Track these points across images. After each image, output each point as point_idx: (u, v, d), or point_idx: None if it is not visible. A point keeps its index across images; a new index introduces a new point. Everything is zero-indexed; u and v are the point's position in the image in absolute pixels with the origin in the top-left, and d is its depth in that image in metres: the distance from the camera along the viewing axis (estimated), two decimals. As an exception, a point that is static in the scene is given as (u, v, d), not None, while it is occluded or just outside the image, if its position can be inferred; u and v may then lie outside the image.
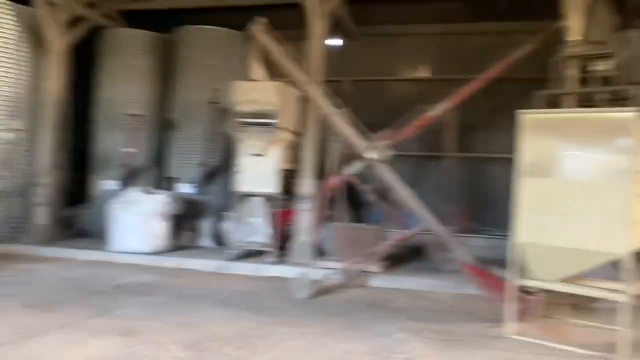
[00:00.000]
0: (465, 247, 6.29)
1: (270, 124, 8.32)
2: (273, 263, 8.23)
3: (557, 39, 8.53)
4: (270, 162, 8.46)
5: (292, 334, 4.94)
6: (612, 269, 4.87)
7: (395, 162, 11.55)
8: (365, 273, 7.57)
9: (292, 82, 8.00)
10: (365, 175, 7.29)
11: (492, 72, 9.75)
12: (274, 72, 9.06)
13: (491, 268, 5.99)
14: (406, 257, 9.48)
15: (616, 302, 4.70)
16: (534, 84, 10.26)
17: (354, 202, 10.71)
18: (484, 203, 11.58)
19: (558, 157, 5.17)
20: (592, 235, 4.80)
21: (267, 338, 4.80)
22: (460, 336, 5.15)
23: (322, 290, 6.87)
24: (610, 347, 4.66)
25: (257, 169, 8.49)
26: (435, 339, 5.01)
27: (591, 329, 5.36)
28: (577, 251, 4.87)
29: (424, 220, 6.60)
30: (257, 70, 8.21)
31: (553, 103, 8.26)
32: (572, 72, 7.99)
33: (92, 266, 8.23)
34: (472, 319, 5.84)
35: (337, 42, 12.79)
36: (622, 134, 4.77)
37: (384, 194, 7.27)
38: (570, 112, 6.07)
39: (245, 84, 8.45)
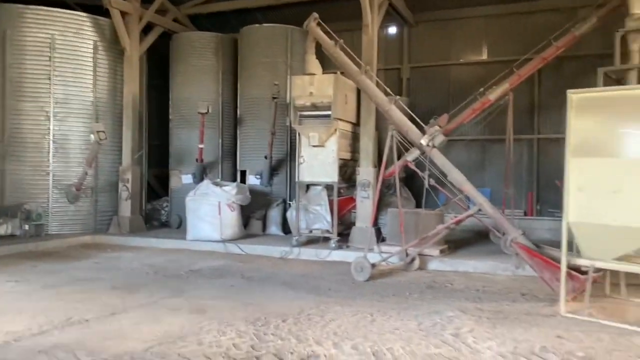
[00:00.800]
0: (520, 229, 6.31)
1: (327, 116, 8.67)
2: (334, 248, 8.59)
3: (621, 12, 8.24)
4: (329, 153, 8.79)
5: (346, 312, 5.26)
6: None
7: (458, 146, 11.60)
8: (424, 257, 7.75)
9: (347, 74, 8.26)
10: (424, 161, 7.43)
11: (554, 50, 9.55)
12: (331, 64, 9.38)
13: (546, 249, 5.99)
14: (469, 240, 9.55)
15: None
16: (598, 61, 9.92)
17: (415, 188, 10.88)
18: (550, 185, 11.32)
19: (610, 135, 5.14)
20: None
21: (322, 316, 5.14)
22: (510, 314, 5.25)
23: (381, 274, 7.15)
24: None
25: (317, 160, 8.86)
26: (486, 317, 5.14)
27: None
28: (630, 229, 4.84)
29: (477, 203, 6.67)
30: (314, 64, 8.53)
31: (617, 79, 8.01)
32: (636, 46, 7.72)
33: (171, 253, 9.00)
34: (525, 299, 5.91)
35: (393, 30, 12.93)
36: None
37: (443, 179, 7.37)
38: (621, 90, 5.95)
39: (302, 78, 8.82)
